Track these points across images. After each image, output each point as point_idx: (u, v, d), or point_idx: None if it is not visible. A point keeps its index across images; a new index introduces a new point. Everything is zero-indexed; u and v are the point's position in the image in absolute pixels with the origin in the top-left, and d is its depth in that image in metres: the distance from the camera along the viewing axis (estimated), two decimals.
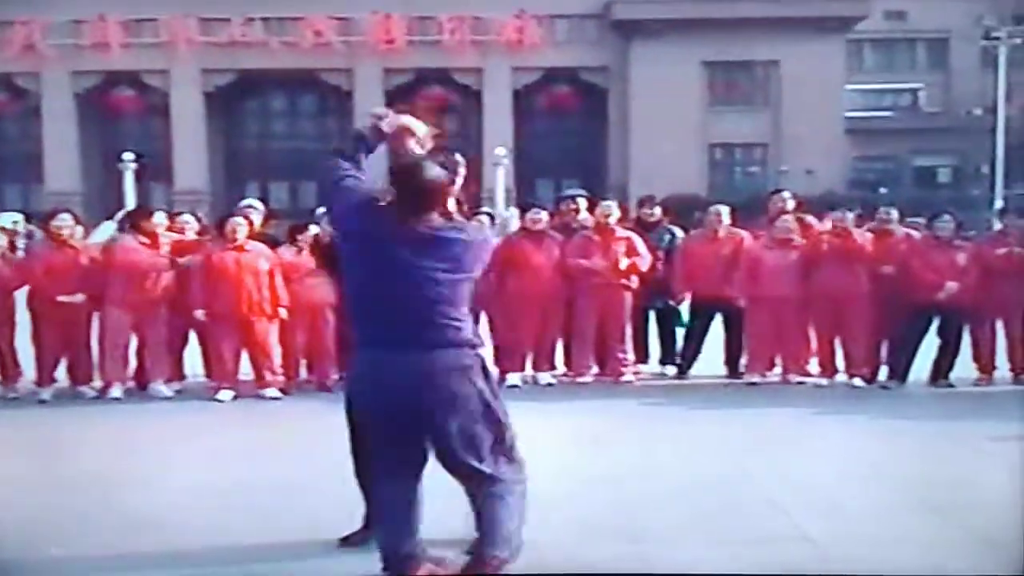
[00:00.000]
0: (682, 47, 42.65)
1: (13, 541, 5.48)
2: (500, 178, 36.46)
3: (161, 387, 9.54)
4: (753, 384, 9.81)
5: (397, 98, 41.79)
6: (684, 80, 43.63)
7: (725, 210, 10.33)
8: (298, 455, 7.34)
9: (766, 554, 5.17)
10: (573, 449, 7.45)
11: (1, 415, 9.06)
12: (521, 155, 43.48)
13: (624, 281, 9.80)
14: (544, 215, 10.08)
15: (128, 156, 34.38)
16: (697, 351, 10.27)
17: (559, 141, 47.39)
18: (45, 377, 9.53)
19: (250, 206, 10.46)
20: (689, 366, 10.23)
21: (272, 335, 9.57)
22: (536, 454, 7.06)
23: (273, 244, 9.84)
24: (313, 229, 9.67)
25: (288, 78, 43.67)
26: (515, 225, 11.29)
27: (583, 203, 10.52)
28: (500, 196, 34.32)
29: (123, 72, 40.11)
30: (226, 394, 9.39)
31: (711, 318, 10.19)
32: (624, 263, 9.72)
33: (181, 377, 9.90)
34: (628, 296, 9.87)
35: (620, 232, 9.95)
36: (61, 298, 9.32)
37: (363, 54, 43.03)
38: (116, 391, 9.44)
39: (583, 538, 5.43)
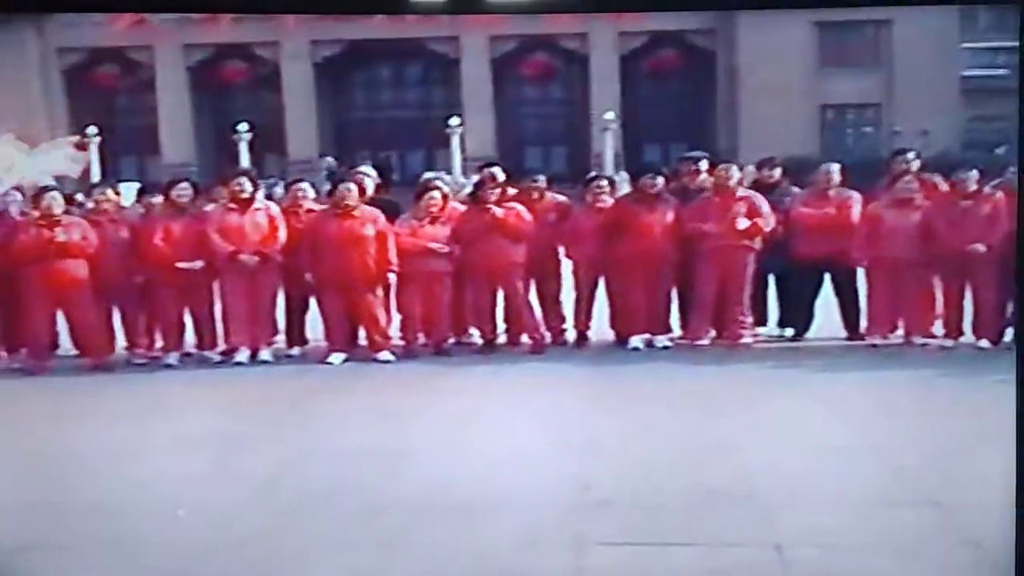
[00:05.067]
0: (792, 7, 41.80)
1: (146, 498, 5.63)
2: (608, 143, 36.27)
3: (266, 352, 9.71)
4: (874, 346, 9.62)
5: (502, 65, 41.79)
6: (794, 41, 42.81)
7: (836, 169, 10.13)
8: (410, 419, 7.43)
9: (891, 521, 5.07)
10: (691, 413, 7.40)
11: (127, 379, 9.31)
12: (628, 120, 43.14)
13: (746, 243, 9.68)
14: (660, 180, 9.99)
15: (241, 127, 34.85)
16: (811, 312, 10.11)
17: (666, 105, 46.88)
18: (172, 342, 9.75)
19: (363, 173, 10.55)
20: (807, 328, 10.07)
21: (381, 299, 9.68)
22: (653, 418, 7.07)
23: (392, 210, 9.94)
24: (434, 196, 9.78)
25: (395, 48, 43.85)
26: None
27: (703, 165, 10.39)
28: (609, 161, 34.14)
29: (234, 45, 40.62)
30: (336, 357, 9.52)
31: (821, 279, 10.02)
32: (744, 224, 9.60)
33: (304, 342, 10.05)
34: (750, 258, 9.73)
35: (742, 193, 9.82)
36: (181, 264, 9.52)
37: (469, 22, 43.00)
38: (241, 355, 9.64)
39: (701, 505, 5.39)
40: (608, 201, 10.01)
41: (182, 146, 39.72)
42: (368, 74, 47.42)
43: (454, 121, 35.42)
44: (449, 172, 28.10)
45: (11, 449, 6.88)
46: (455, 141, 35.03)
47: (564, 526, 5.20)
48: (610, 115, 37.91)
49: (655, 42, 44.97)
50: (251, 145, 35.11)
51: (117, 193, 10.36)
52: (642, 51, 45.54)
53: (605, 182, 10.24)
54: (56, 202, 9.49)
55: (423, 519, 5.36)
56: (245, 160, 33.97)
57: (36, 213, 9.48)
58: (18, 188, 10.11)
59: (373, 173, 10.61)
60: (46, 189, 9.84)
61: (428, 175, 10.59)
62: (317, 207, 9.95)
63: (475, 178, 11.55)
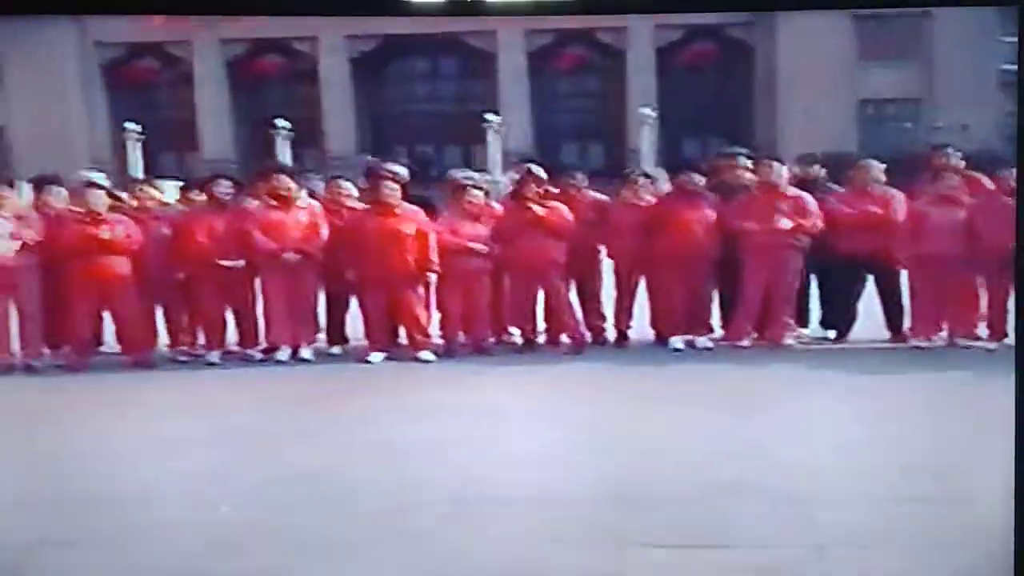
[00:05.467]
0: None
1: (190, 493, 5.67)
2: (645, 137, 36.14)
3: (306, 350, 9.74)
4: (919, 348, 9.53)
5: (539, 60, 41.72)
6: (833, 34, 42.53)
7: (878, 166, 10.04)
8: (450, 417, 7.44)
9: (928, 522, 5.04)
10: (731, 414, 7.37)
11: (169, 376, 9.37)
12: (665, 114, 42.99)
13: (792, 242, 9.60)
14: (696, 177, 9.94)
15: (279, 122, 34.97)
16: (854, 313, 10.03)
17: (703, 99, 46.64)
18: (214, 340, 9.80)
19: (398, 170, 10.57)
20: (849, 329, 9.99)
21: (422, 298, 9.69)
22: (693, 419, 7.05)
23: (428, 207, 9.94)
24: (475, 195, 9.78)
25: (431, 42, 43.88)
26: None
27: (744, 161, 10.31)
28: (645, 156, 34.02)
29: (271, 39, 40.78)
30: (377, 356, 9.54)
31: (864, 279, 9.94)
32: (791, 223, 9.54)
33: (344, 341, 10.07)
34: (796, 258, 9.66)
35: (789, 191, 9.75)
36: (223, 262, 9.57)
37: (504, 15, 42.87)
38: (281, 353, 9.68)
39: (738, 505, 5.37)
40: (648, 198, 9.98)
41: (220, 141, 39.88)
42: (404, 69, 47.48)
43: (491, 116, 35.39)
44: (485, 168, 28.05)
45: (55, 444, 6.95)
46: (491, 136, 35.00)
47: (601, 525, 5.20)
48: (647, 109, 37.77)
49: (692, 35, 44.80)
50: (292, 140, 35.23)
51: (159, 190, 10.42)
52: (679, 44, 45.35)
53: (645, 179, 10.19)
54: (100, 199, 9.56)
55: (459, 515, 5.38)
56: (284, 155, 34.11)
57: (80, 209, 9.56)
58: (61, 184, 10.15)
59: (404, 171, 10.60)
60: (90, 186, 9.90)
61: (460, 173, 10.58)
62: (358, 204, 9.97)
63: (510, 175, 11.55)
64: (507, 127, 36.76)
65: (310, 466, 6.29)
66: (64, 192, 9.99)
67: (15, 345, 9.59)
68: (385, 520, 5.34)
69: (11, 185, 10.11)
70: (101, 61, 39.23)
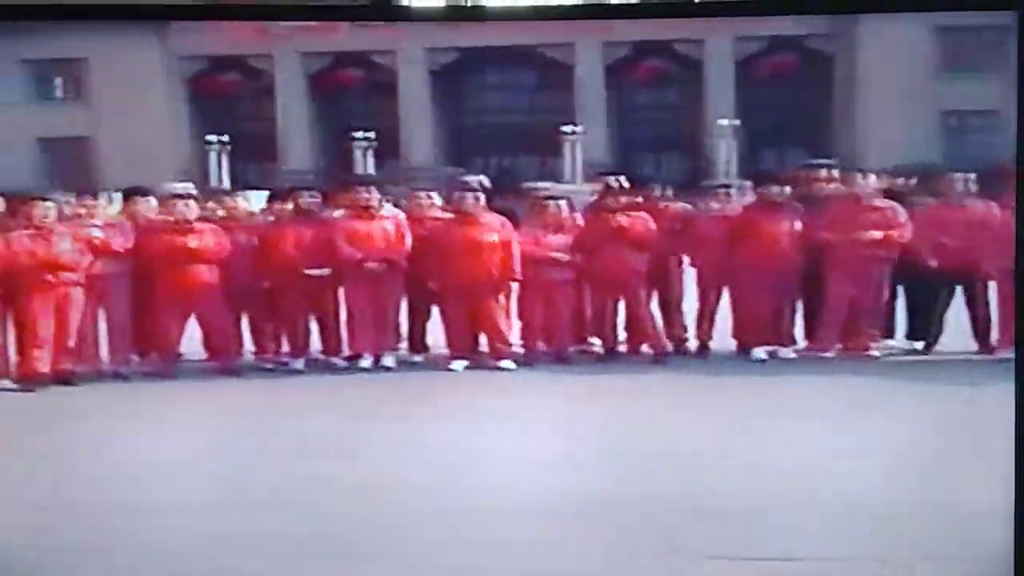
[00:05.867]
0: (912, 11, 41.02)
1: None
2: (724, 149, 35.91)
3: (389, 358, 9.81)
4: (1007, 360, 9.35)
5: (617, 71, 41.58)
6: (914, 45, 41.96)
7: (965, 178, 9.91)
8: (528, 425, 7.46)
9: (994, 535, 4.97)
10: (812, 423, 7.31)
11: (254, 383, 9.49)
12: (744, 125, 42.69)
13: (880, 253, 9.51)
14: (781, 188, 9.88)
15: (361, 134, 35.33)
16: (941, 324, 9.90)
17: (783, 110, 46.17)
18: (298, 348, 9.89)
19: (480, 181, 10.66)
20: (936, 340, 9.85)
21: (503, 306, 9.73)
22: (773, 427, 7.01)
23: (510, 217, 9.99)
24: (557, 205, 9.83)
25: (508, 54, 43.99)
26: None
27: (830, 172, 10.20)
28: (725, 167, 33.79)
29: (351, 52, 41.19)
30: (458, 364, 9.60)
31: (953, 290, 9.80)
32: (879, 235, 9.45)
33: (426, 349, 10.14)
34: (884, 270, 9.56)
35: (877, 202, 9.65)
36: (308, 271, 9.68)
37: (584, 28, 42.95)
38: (364, 361, 9.77)
39: (811, 519, 5.33)
40: (733, 209, 9.96)
41: (303, 153, 40.27)
42: (483, 80, 47.66)
43: (568, 128, 35.40)
44: (563, 179, 28.04)
45: (143, 449, 7.08)
46: (569, 148, 35.00)
47: (678, 536, 5.20)
48: (725, 121, 37.56)
49: (772, 47, 44.43)
50: (370, 151, 35.52)
51: (246, 200, 10.57)
52: (759, 56, 44.97)
53: (730, 189, 10.19)
54: (189, 208, 9.72)
55: (539, 521, 5.40)
56: (368, 167, 34.46)
57: (170, 219, 9.73)
58: (151, 194, 10.35)
59: (487, 182, 10.70)
60: (179, 196, 10.07)
61: (540, 184, 10.66)
62: (441, 214, 10.05)
63: (589, 186, 11.57)
64: (585, 139, 36.74)
65: (393, 473, 6.36)
66: (154, 202, 10.17)
67: (104, 352, 9.77)
68: (467, 526, 5.37)
69: (95, 196, 10.32)
70: (185, 74, 39.79)
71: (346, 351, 9.90)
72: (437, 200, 10.24)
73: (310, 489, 6.11)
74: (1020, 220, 4.46)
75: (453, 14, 4.29)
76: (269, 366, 9.88)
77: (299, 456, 6.84)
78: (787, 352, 9.74)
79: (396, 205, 10.36)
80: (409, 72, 42.26)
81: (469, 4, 4.08)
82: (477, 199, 9.70)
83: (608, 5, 4.89)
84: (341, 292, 9.87)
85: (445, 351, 9.85)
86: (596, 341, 9.99)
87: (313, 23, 39.64)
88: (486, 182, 10.31)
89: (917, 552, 4.85)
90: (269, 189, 12.22)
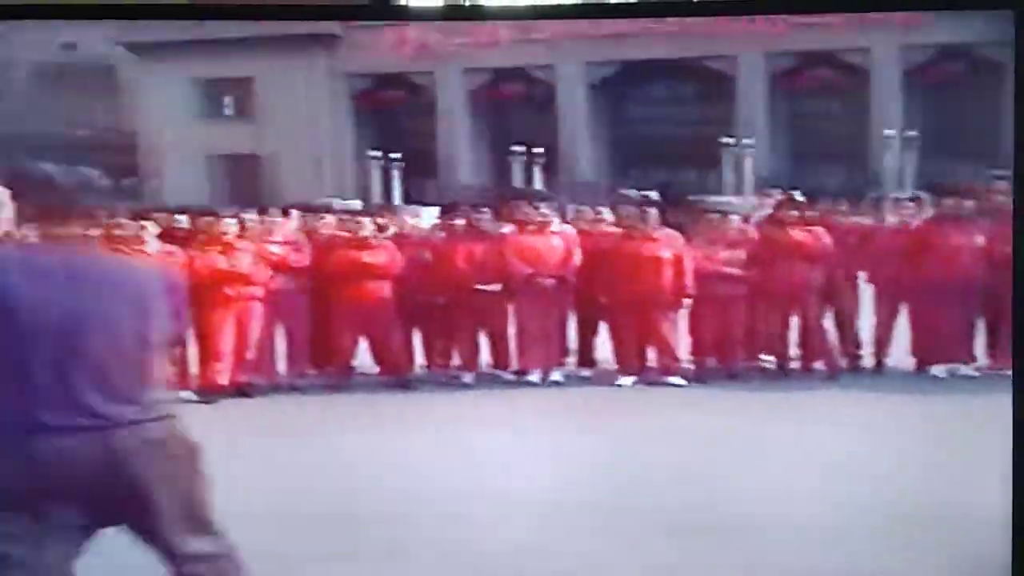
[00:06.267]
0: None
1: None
2: (892, 160, 35.18)
3: (557, 373, 9.84)
4: None
5: (780, 82, 41.13)
6: None
7: None
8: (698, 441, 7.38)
9: None
10: (992, 440, 7.06)
11: (425, 397, 9.61)
12: (912, 135, 41.66)
13: None
14: (963, 201, 9.60)
15: (520, 148, 35.62)
16: None
17: (951, 120, 44.99)
18: (468, 362, 10.02)
19: (649, 195, 10.62)
20: None
21: (674, 322, 9.65)
22: (951, 445, 6.79)
23: (679, 231, 9.93)
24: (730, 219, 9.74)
25: (671, 66, 43.80)
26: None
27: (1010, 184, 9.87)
28: (893, 179, 33.08)
29: (511, 68, 41.48)
30: (627, 379, 9.56)
31: None
32: None
33: (593, 364, 10.13)
34: None
35: None
36: (480, 286, 9.76)
37: (746, 40, 42.53)
38: (533, 375, 9.83)
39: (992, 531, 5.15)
40: (911, 222, 9.72)
41: (468, 168, 40.79)
42: (643, 94, 47.55)
43: (732, 140, 35.07)
44: (726, 191, 27.80)
45: (321, 459, 7.23)
46: (733, 160, 34.67)
47: (857, 554, 5.08)
48: (893, 131, 36.74)
49: (940, 56, 43.31)
50: (532, 166, 35.79)
51: (417, 216, 10.73)
52: (927, 65, 43.87)
53: (911, 202, 9.94)
54: (364, 225, 9.91)
55: (709, 540, 5.34)
56: (533, 181, 34.76)
57: (346, 235, 9.93)
58: (328, 211, 10.59)
59: (657, 196, 10.66)
60: (355, 212, 10.27)
61: (710, 198, 10.53)
62: (612, 229, 10.04)
63: (758, 199, 11.41)
64: (749, 150, 36.35)
65: (563, 487, 6.35)
66: (330, 218, 10.40)
67: (280, 365, 10.01)
68: (637, 542, 5.34)
69: (272, 212, 10.59)
70: (350, 91, 40.69)
71: (515, 365, 9.95)
72: (607, 215, 10.24)
73: (479, 502, 6.13)
74: (1020, 221, 4.30)
75: (451, 13, 4.30)
76: (440, 380, 10.00)
77: (468, 468, 6.87)
78: (968, 370, 9.43)
79: (564, 219, 10.37)
80: (568, 86, 42.49)
81: (468, 3, 4.04)
82: (648, 213, 9.65)
83: (605, 4, 4.81)
84: (511, 307, 9.92)
85: (613, 366, 9.82)
86: (768, 357, 9.84)
87: (471, 39, 40.28)
88: (656, 196, 10.26)
89: None
90: (439, 205, 12.39)
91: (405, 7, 4.14)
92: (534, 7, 4.46)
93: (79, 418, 3.43)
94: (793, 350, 9.78)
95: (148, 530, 3.63)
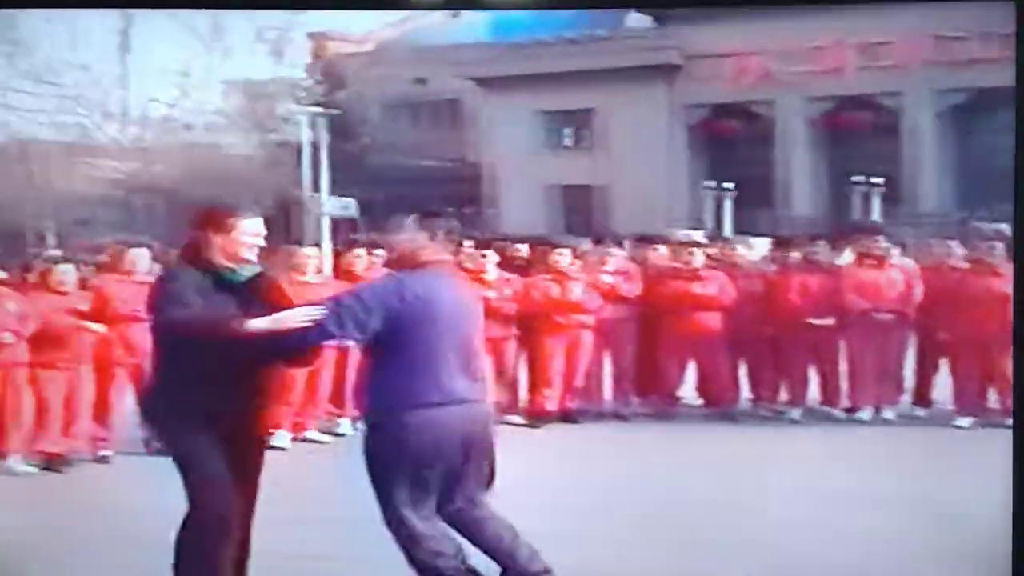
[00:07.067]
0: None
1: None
2: None
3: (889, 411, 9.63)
4: None
5: None
6: None
7: None
8: None
9: None
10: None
11: (751, 431, 9.50)
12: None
13: None
14: None
15: (861, 178, 34.56)
16: None
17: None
18: (796, 397, 9.85)
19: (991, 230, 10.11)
20: None
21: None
22: None
23: None
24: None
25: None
26: None
27: None
28: None
29: (857, 96, 40.34)
30: (965, 420, 9.27)
31: None
32: None
33: (929, 403, 9.78)
34: None
35: None
36: (812, 320, 9.56)
37: None
38: (864, 413, 9.59)
39: None
40: None
41: (804, 198, 40.01)
42: (993, 122, 45.19)
43: None
44: None
45: (643, 485, 7.29)
46: None
47: None
48: None
49: None
50: (872, 197, 34.66)
51: (749, 246, 10.63)
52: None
53: None
54: (697, 256, 9.90)
55: None
56: (873, 212, 33.67)
57: (678, 265, 9.97)
58: (662, 241, 10.68)
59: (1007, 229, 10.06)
60: (688, 243, 10.28)
61: None
62: (959, 263, 9.59)
63: None
64: None
65: (886, 528, 6.13)
66: (663, 249, 10.45)
67: (606, 392, 10.15)
68: None
69: (606, 242, 10.74)
70: (688, 121, 40.77)
71: (845, 402, 9.68)
72: (957, 249, 9.74)
73: (805, 539, 5.99)
74: (1019, 223, 4.22)
75: (451, 3, 4.15)
76: (765, 414, 9.85)
77: (793, 506, 6.72)
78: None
79: (904, 252, 10.02)
80: (916, 114, 40.89)
81: None
82: (997, 247, 9.18)
83: None
84: (843, 341, 9.66)
85: (951, 406, 9.42)
86: None
87: (815, 67, 39.45)
88: (1007, 230, 9.73)
89: None
90: (772, 236, 12.23)
91: None
92: None
93: (460, 394, 4.58)
94: None
95: (463, 486, 4.63)
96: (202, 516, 4.49)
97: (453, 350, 4.58)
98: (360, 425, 5.23)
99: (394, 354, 4.54)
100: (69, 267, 8.45)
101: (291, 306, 4.58)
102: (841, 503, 6.72)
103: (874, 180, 35.80)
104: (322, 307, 4.49)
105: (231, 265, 4.53)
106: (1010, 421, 5.45)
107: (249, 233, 4.57)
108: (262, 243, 4.66)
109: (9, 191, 32.45)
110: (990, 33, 40.14)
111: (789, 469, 7.88)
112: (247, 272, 4.57)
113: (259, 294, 4.58)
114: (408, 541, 4.55)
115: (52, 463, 8.08)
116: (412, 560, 4.58)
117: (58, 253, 11.13)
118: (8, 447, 8.00)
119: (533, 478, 7.03)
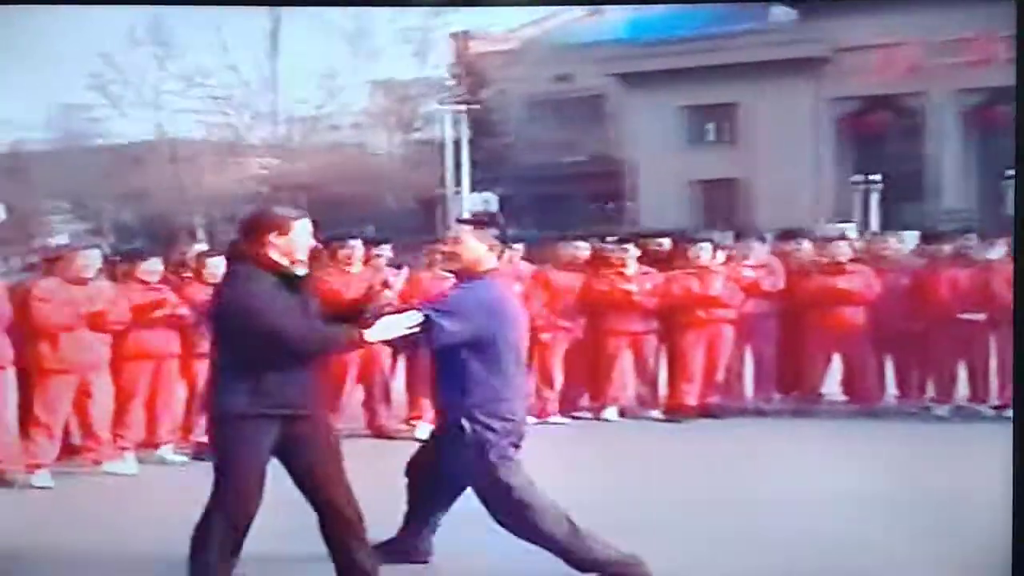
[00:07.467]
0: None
1: None
2: None
3: None
4: None
5: None
6: None
7: None
8: None
9: None
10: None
11: (896, 427, 9.35)
12: None
13: None
14: None
15: (1010, 172, 33.60)
16: None
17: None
18: (943, 394, 9.71)
19: None
20: None
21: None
22: None
23: None
24: None
25: None
26: None
27: None
28: None
29: (1007, 88, 39.20)
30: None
31: None
32: None
33: None
34: None
35: None
36: (962, 315, 9.39)
37: None
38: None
39: None
40: None
41: (956, 191, 38.99)
42: None
43: None
44: None
45: (782, 482, 7.21)
46: None
47: None
48: None
49: None
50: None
51: (900, 240, 10.45)
52: None
53: None
54: (842, 250, 9.78)
55: None
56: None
57: (822, 260, 9.86)
58: (805, 236, 10.58)
59: None
60: (834, 237, 10.15)
61: None
62: None
63: None
64: None
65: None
66: (807, 244, 10.33)
67: (747, 388, 10.09)
68: None
69: (748, 237, 10.65)
70: (834, 115, 40.08)
71: (995, 400, 9.46)
72: None
73: (948, 542, 5.89)
74: (1018, 227, 4.24)
75: (451, 1, 4.06)
76: (912, 411, 9.68)
77: (941, 507, 6.60)
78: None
79: None
80: None
81: None
82: None
83: None
84: (994, 337, 9.43)
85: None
86: None
87: (967, 58, 38.39)
88: None
89: None
90: (920, 230, 11.98)
91: None
92: None
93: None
94: None
95: None
96: (219, 517, 4.73)
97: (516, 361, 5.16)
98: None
99: (484, 360, 4.99)
100: (220, 260, 8.69)
101: (336, 300, 5.31)
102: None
103: None
104: (421, 312, 4.87)
105: (290, 265, 4.73)
106: None
107: (304, 234, 4.79)
108: (313, 243, 4.91)
109: (161, 189, 33.58)
110: None
111: (931, 468, 7.73)
112: (301, 271, 4.78)
113: (311, 291, 4.87)
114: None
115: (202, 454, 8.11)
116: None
117: (207, 247, 11.46)
118: (160, 438, 8.26)
119: (672, 475, 7.03)
